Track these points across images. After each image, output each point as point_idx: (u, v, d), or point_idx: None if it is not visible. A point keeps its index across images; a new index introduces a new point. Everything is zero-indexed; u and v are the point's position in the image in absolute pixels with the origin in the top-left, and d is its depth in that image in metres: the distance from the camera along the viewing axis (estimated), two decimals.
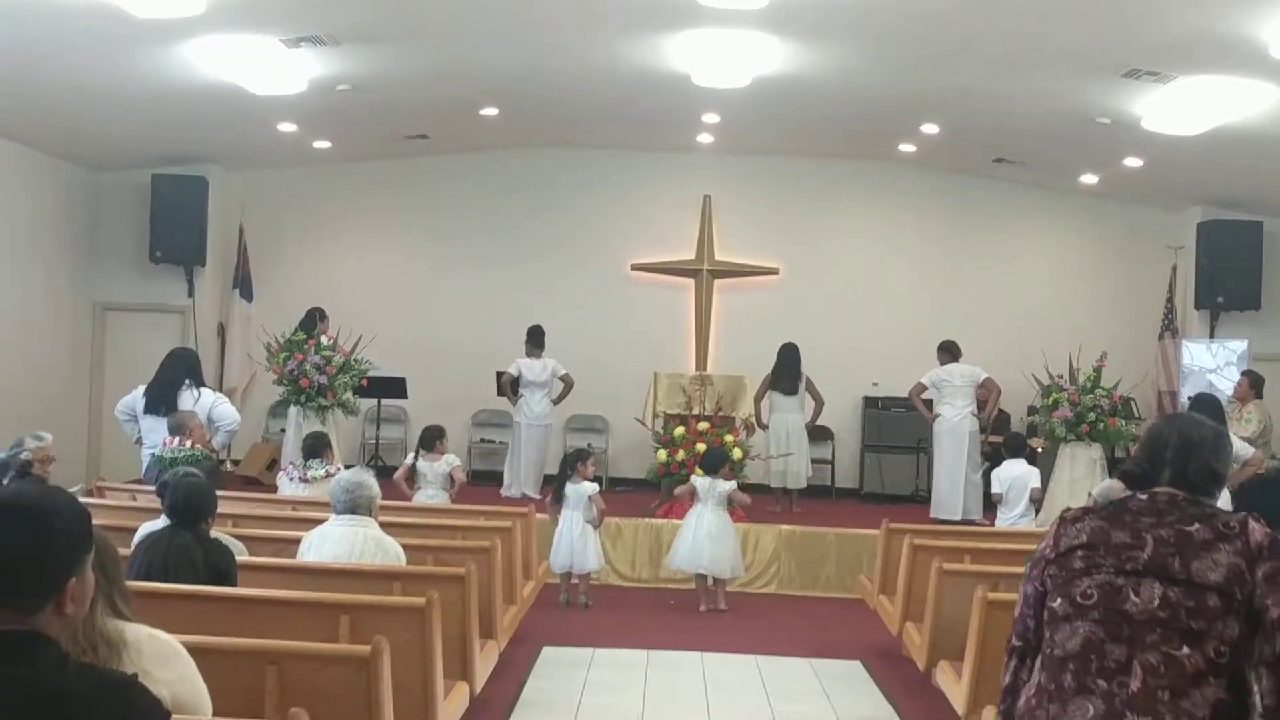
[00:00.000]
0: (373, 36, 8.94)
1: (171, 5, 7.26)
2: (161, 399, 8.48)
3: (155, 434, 8.29)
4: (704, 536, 9.02)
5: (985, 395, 11.48)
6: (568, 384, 12.01)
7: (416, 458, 9.22)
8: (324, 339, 11.19)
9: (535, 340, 11.98)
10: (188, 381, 8.61)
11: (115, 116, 10.48)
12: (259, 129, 11.53)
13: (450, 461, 9.24)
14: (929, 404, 11.57)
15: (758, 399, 11.73)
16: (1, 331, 10.96)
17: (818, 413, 12.04)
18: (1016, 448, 9.67)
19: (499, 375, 12.05)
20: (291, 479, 8.57)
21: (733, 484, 9.28)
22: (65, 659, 2.15)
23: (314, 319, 11.61)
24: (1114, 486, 5.51)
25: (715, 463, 9.43)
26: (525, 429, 11.99)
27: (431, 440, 9.24)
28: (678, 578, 9.62)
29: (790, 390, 11.83)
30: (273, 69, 9.07)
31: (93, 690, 2.14)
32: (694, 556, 9.05)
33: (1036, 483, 9.39)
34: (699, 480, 9.30)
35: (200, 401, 8.51)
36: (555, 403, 12.12)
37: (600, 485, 10.10)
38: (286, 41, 8.60)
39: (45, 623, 2.14)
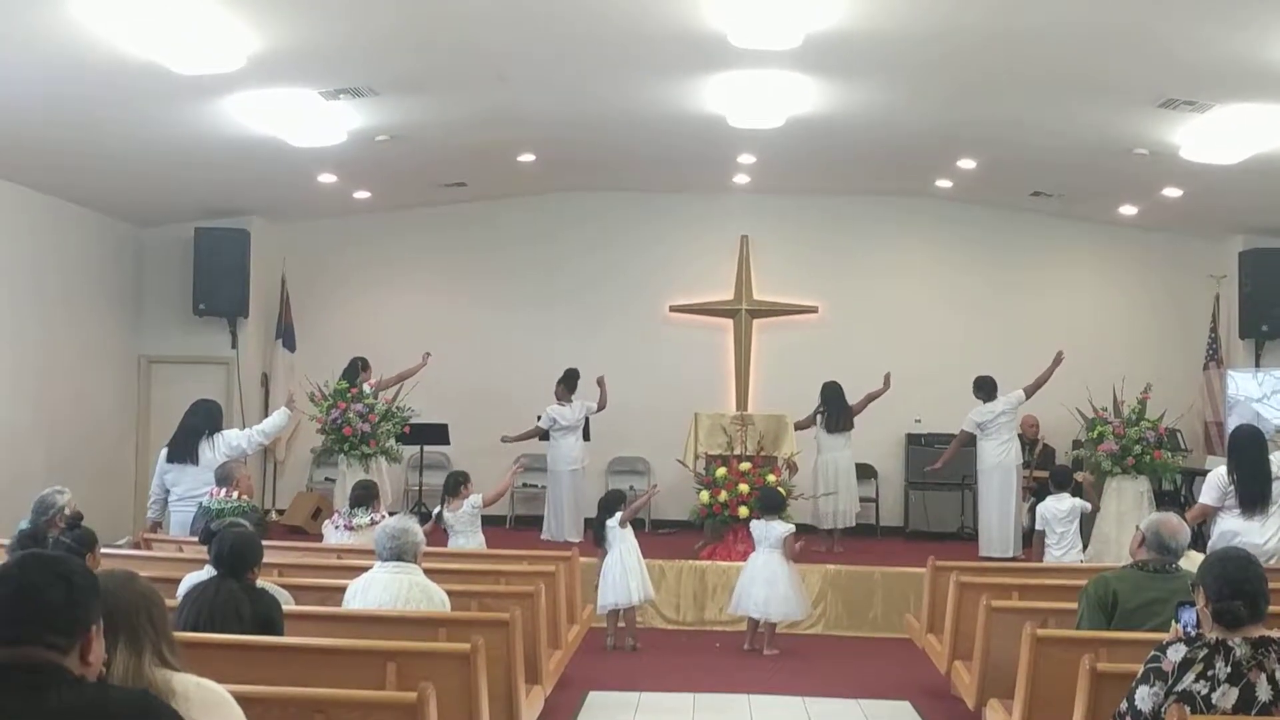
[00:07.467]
0: (410, 87, 9.03)
1: (212, 61, 7.37)
2: (183, 446, 8.56)
3: (180, 485, 8.43)
4: (750, 580, 8.96)
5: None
6: (601, 404, 12.06)
7: (443, 506, 8.87)
8: (366, 387, 11.28)
9: (570, 384, 12.05)
10: (206, 430, 8.64)
11: (158, 171, 10.63)
12: (299, 180, 11.66)
13: (474, 503, 8.81)
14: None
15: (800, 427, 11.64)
16: (53, 386, 11.09)
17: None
18: (1063, 482, 9.37)
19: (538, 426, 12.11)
20: (337, 526, 8.58)
21: (790, 527, 9.15)
22: (82, 681, 2.29)
23: (356, 368, 11.70)
24: (1164, 521, 5.44)
25: (770, 504, 9.31)
26: (559, 475, 12.02)
27: (457, 486, 8.83)
28: (723, 619, 9.57)
29: (834, 428, 11.78)
30: (312, 121, 9.18)
31: (111, 701, 2.29)
32: (748, 600, 8.96)
33: (1083, 510, 9.17)
34: (755, 524, 9.23)
35: (218, 448, 8.52)
36: (599, 409, 12.11)
37: (643, 526, 10.07)
38: (325, 94, 8.70)
39: (72, 665, 2.29)
